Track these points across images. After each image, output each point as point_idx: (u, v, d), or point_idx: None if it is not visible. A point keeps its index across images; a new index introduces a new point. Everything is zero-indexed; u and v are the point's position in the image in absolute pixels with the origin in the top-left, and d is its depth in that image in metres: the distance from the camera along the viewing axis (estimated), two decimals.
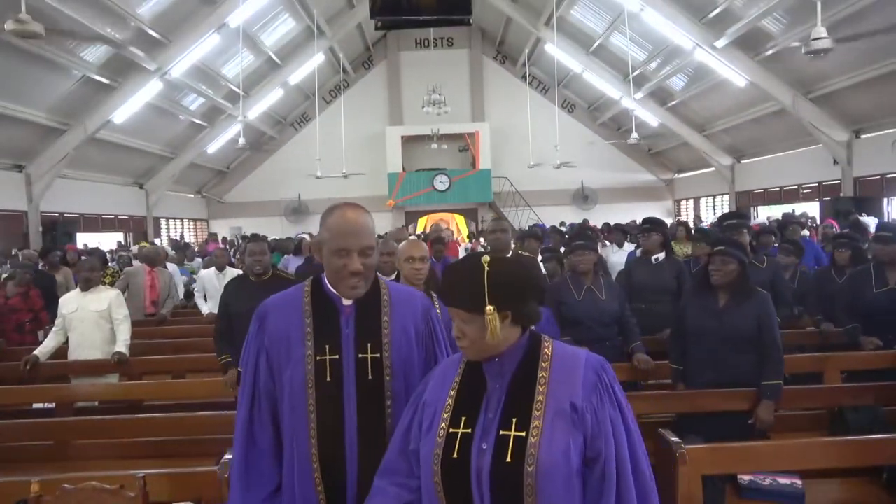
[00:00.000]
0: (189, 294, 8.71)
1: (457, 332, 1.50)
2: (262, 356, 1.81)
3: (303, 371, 1.77)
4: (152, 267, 6.92)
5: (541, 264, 6.22)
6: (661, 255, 4.86)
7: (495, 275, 1.47)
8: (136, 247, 13.58)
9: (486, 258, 1.49)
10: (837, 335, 4.52)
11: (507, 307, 1.47)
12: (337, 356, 1.78)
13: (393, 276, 4.04)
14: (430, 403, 1.57)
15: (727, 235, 4.24)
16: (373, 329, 1.82)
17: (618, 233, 8.50)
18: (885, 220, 11.61)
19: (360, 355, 1.79)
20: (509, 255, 4.34)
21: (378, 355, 1.80)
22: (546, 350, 1.54)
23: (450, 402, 1.54)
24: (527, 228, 12.09)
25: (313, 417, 1.75)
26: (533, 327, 1.56)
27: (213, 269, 6.90)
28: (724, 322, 3.34)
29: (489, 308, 1.45)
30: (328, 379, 1.77)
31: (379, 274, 1.96)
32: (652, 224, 4.98)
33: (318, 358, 1.78)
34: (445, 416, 1.52)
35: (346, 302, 1.82)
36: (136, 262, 7.83)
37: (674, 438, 2.64)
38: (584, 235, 4.60)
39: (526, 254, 5.71)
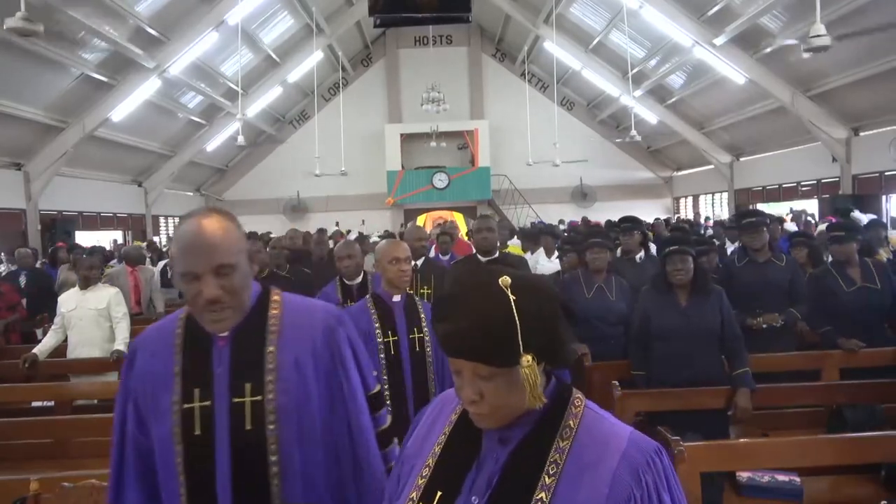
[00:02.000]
0: None
1: (472, 395, 1.03)
2: (130, 404, 1.52)
3: (169, 422, 1.45)
4: (133, 266, 6.95)
5: (557, 261, 6.21)
6: (642, 254, 4.89)
7: (524, 304, 0.99)
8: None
9: (506, 279, 1.02)
10: (814, 335, 4.40)
11: (544, 352, 1.01)
12: (208, 402, 1.45)
13: (359, 279, 3.97)
14: (410, 457, 1.20)
15: (681, 236, 4.19)
16: (253, 365, 1.46)
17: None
18: (885, 217, 11.61)
19: (235, 399, 1.45)
20: (496, 255, 4.29)
21: (259, 398, 1.45)
22: (571, 420, 1.07)
23: (430, 462, 1.14)
24: (530, 226, 12.12)
25: (182, 480, 1.44)
26: None
27: None
28: (691, 320, 3.36)
29: (526, 359, 0.98)
30: (197, 431, 1.44)
31: (274, 287, 1.59)
32: (632, 223, 4.99)
33: (186, 406, 1.45)
34: (420, 482, 1.13)
35: (223, 332, 1.46)
36: (114, 262, 7.85)
37: (672, 437, 2.64)
38: (600, 233, 4.59)
39: (517, 252, 5.69)
